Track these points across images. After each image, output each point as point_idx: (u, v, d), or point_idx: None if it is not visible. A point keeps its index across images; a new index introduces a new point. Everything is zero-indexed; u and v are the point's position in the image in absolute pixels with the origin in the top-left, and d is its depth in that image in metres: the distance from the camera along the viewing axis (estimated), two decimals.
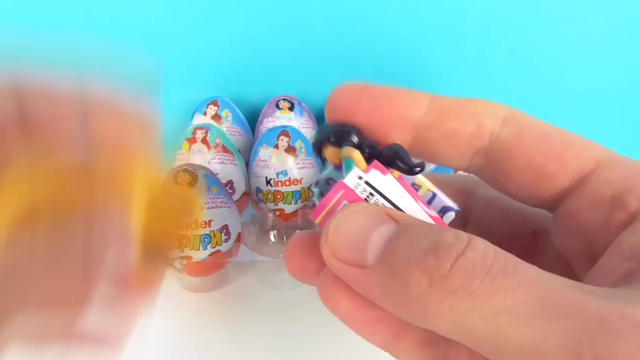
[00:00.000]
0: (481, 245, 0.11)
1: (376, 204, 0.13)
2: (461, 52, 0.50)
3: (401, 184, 0.13)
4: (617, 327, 0.09)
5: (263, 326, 0.39)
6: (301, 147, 0.42)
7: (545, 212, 0.15)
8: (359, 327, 0.14)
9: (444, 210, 0.15)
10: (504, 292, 0.10)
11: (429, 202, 0.15)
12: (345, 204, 0.13)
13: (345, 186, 0.13)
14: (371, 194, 0.13)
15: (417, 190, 0.15)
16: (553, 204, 0.14)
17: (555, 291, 0.10)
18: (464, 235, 0.11)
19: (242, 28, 0.47)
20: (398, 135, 0.14)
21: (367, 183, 0.13)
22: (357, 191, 0.13)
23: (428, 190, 0.15)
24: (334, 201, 0.13)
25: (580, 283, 0.11)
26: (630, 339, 0.09)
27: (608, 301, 0.10)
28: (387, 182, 0.13)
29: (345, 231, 0.12)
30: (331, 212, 0.13)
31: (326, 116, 0.15)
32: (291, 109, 0.48)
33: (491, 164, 0.14)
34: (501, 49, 0.49)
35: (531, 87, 0.52)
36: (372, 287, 0.12)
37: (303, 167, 0.42)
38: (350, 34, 0.48)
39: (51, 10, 0.45)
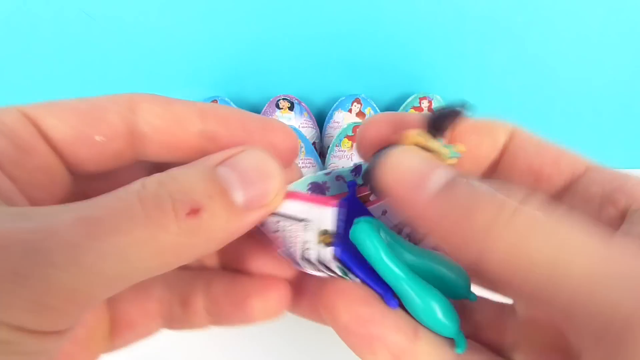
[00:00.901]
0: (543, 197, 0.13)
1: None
2: (461, 52, 0.50)
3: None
4: None
5: (263, 326, 0.39)
6: (301, 147, 0.43)
7: None
8: (357, 343, 0.14)
9: None
10: (569, 229, 0.11)
11: None
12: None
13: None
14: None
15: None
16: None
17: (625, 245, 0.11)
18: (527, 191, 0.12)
19: (242, 28, 0.47)
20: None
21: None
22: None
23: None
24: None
25: None
26: None
27: None
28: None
29: (407, 162, 0.13)
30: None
31: (357, 149, 0.17)
32: (291, 108, 0.48)
33: (498, 172, 0.16)
34: (501, 49, 0.49)
35: (531, 87, 0.52)
36: (428, 215, 0.13)
37: (303, 167, 0.42)
38: (350, 34, 0.48)
39: (50, 10, 0.45)
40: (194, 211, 0.12)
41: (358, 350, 0.14)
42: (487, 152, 0.16)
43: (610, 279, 0.10)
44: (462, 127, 0.16)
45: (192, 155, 0.15)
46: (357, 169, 0.16)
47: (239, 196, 0.13)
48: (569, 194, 0.15)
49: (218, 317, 0.17)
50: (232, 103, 0.49)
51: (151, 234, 0.11)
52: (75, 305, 0.11)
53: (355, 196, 0.16)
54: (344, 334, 0.14)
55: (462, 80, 0.52)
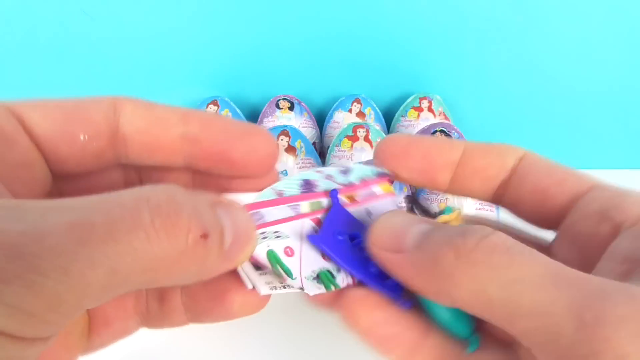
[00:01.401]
0: (503, 234, 0.13)
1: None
2: (461, 52, 0.50)
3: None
4: (615, 296, 0.11)
5: (263, 325, 0.39)
6: (301, 147, 0.43)
7: (544, 239, 0.17)
8: (377, 343, 0.16)
9: None
10: (519, 265, 0.12)
11: None
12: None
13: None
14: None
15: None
16: (556, 222, 0.17)
17: (564, 268, 0.12)
18: (490, 229, 0.13)
19: (242, 28, 0.47)
20: (441, 176, 0.18)
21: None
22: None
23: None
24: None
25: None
26: (626, 306, 0.11)
27: (608, 280, 0.12)
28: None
29: (389, 225, 0.15)
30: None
31: (375, 162, 0.18)
32: (291, 108, 0.48)
33: (509, 191, 0.17)
34: (501, 49, 0.49)
35: (531, 87, 0.52)
36: (406, 268, 0.14)
37: (303, 167, 0.42)
38: (350, 34, 0.48)
39: (50, 9, 0.45)
40: (205, 235, 0.12)
41: (378, 349, 0.16)
42: (496, 173, 0.17)
43: (553, 316, 0.11)
44: (473, 150, 0.17)
45: (173, 158, 0.16)
46: (346, 170, 0.18)
47: (228, 241, 0.13)
48: (572, 211, 0.16)
49: (196, 313, 0.17)
50: (232, 103, 0.49)
51: (152, 246, 0.11)
52: (59, 313, 0.11)
53: (339, 204, 0.17)
54: (365, 336, 0.16)
55: (462, 80, 0.52)
